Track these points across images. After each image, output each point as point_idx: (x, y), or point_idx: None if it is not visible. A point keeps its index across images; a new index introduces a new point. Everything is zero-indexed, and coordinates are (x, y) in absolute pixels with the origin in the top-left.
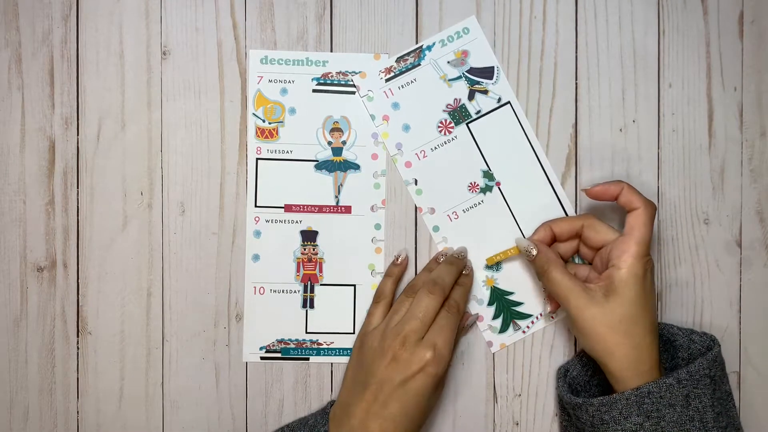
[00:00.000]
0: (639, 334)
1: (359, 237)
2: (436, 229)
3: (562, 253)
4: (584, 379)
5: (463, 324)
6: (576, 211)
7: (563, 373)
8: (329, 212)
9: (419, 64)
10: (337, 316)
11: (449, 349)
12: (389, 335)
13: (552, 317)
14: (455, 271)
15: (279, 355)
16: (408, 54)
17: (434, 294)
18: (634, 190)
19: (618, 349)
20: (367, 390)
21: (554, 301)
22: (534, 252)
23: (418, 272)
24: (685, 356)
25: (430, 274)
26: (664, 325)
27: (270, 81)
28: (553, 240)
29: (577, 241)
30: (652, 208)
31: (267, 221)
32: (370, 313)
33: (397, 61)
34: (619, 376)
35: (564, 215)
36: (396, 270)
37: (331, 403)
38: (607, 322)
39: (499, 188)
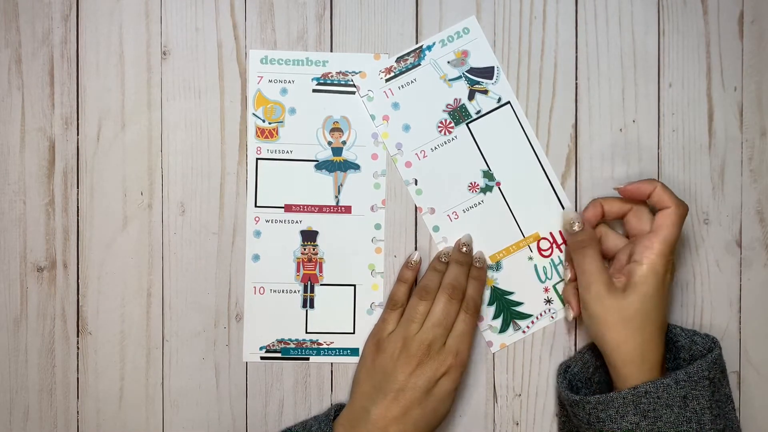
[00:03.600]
0: (649, 331)
1: (359, 237)
2: (436, 229)
3: None
4: (585, 376)
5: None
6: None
7: (564, 369)
8: (329, 212)
9: (419, 64)
10: (337, 316)
11: (469, 351)
12: (414, 343)
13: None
14: (467, 269)
15: (279, 355)
16: (408, 54)
17: (455, 299)
18: (667, 190)
19: (626, 343)
20: (387, 396)
21: (576, 303)
22: (577, 228)
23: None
24: (687, 357)
25: (446, 278)
26: (668, 325)
27: (270, 81)
28: (602, 218)
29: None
30: (683, 209)
31: (267, 221)
32: (384, 319)
33: (397, 61)
34: (621, 371)
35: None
36: (410, 274)
37: (336, 408)
38: (622, 314)
39: (499, 188)
